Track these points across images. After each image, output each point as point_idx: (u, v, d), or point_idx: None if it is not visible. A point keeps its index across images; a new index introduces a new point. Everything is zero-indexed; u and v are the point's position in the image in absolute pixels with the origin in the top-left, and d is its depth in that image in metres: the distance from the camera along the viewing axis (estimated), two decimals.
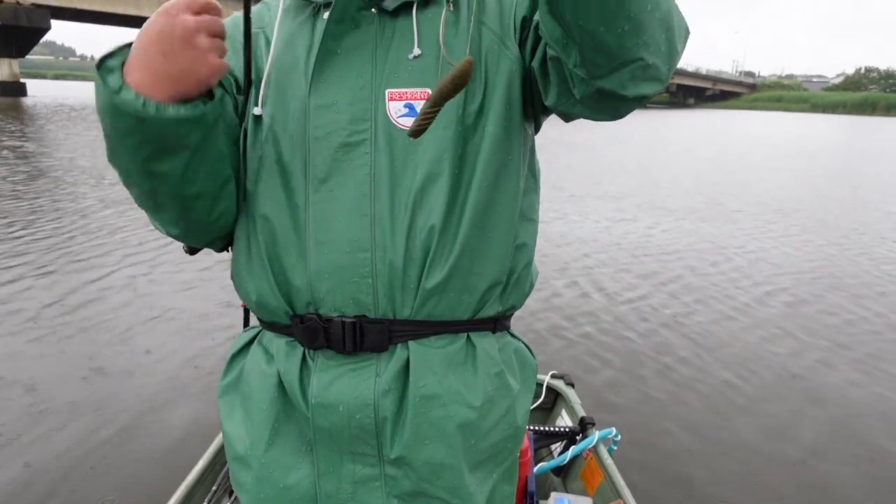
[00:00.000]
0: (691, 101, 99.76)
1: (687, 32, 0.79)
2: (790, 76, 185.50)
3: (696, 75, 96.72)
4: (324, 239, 0.83)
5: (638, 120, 38.23)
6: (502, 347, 0.93)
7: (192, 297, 4.11)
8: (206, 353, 3.30)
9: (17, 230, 5.58)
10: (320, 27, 0.86)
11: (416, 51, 0.84)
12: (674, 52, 0.76)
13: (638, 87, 0.75)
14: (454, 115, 0.84)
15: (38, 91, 40.21)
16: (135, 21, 38.47)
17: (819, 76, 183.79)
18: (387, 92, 0.84)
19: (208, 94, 0.77)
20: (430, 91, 0.83)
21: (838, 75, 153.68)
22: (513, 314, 0.97)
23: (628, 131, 25.41)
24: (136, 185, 0.82)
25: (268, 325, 0.92)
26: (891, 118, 68.50)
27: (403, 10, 0.86)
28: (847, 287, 4.94)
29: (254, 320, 1.04)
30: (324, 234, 0.83)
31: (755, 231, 6.91)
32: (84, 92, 47.17)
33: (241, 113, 0.88)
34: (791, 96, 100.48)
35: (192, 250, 0.96)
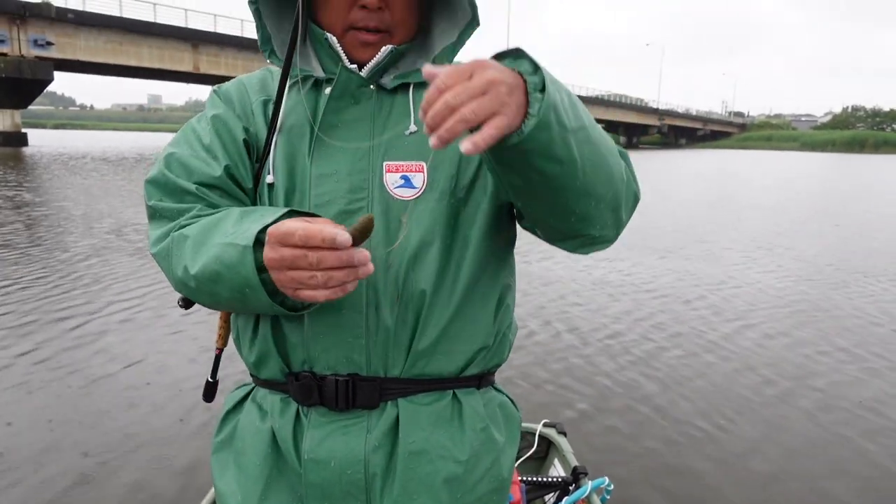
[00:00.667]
0: (683, 141, 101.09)
1: (636, 199, 0.88)
2: (778, 115, 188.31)
3: (686, 116, 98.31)
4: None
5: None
6: (487, 402, 0.97)
7: (179, 343, 4.22)
8: (193, 406, 3.27)
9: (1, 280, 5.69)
10: (322, 101, 0.91)
11: (412, 127, 0.90)
12: (621, 223, 0.87)
13: (588, 251, 0.90)
14: (448, 187, 0.90)
15: (39, 141, 40.83)
16: (135, 72, 39.36)
17: (807, 115, 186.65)
18: (384, 164, 0.89)
19: None
20: (424, 164, 0.89)
21: (826, 114, 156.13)
22: (497, 369, 1.01)
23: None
24: (191, 297, 0.89)
25: (263, 382, 0.95)
26: (880, 155, 69.48)
27: (401, 87, 0.93)
28: (815, 322, 5.08)
29: (230, 371, 1.12)
30: None
31: (735, 268, 7.08)
32: (82, 141, 47.64)
33: (256, 176, 0.93)
34: (781, 135, 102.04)
35: (187, 305, 0.96)
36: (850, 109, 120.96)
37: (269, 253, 0.74)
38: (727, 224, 10.78)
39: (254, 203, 0.93)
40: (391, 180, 0.89)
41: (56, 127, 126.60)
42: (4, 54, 30.68)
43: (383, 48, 0.90)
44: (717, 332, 4.78)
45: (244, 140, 0.93)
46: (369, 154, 0.90)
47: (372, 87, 0.91)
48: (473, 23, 0.91)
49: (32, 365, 3.75)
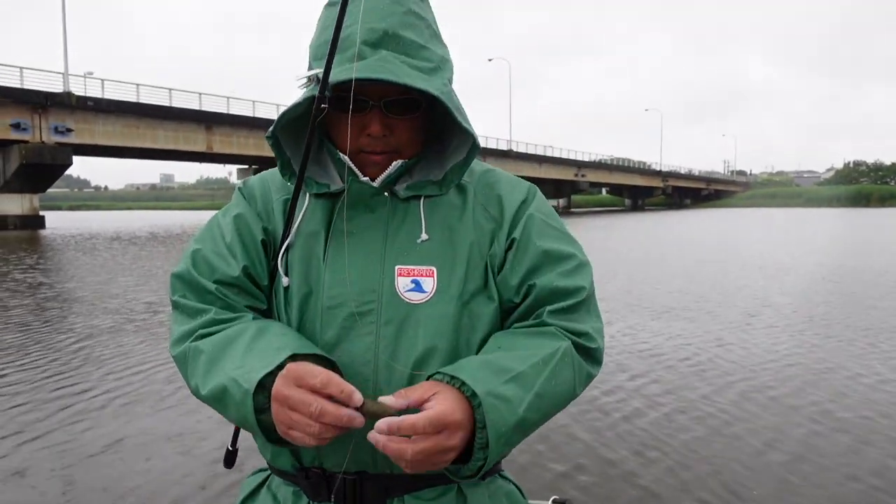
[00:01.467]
0: (688, 201, 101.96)
1: (589, 379, 0.99)
2: (781, 173, 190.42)
3: (689, 177, 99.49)
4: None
5: (633, 222, 39.03)
6: (493, 493, 0.99)
7: (179, 421, 4.17)
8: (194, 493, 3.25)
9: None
10: (338, 207, 0.97)
11: (424, 236, 0.96)
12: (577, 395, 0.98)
13: None
14: (456, 292, 0.94)
15: (55, 222, 41.61)
16: (151, 153, 40.49)
17: (809, 171, 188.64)
18: (396, 268, 0.94)
19: None
20: (435, 269, 0.95)
21: (828, 170, 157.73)
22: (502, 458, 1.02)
23: (621, 235, 25.93)
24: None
25: (276, 470, 1.00)
26: (886, 209, 69.69)
27: (413, 197, 0.99)
28: (812, 383, 4.97)
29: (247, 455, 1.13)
30: None
31: (732, 327, 6.99)
32: (96, 221, 48.50)
33: (271, 274, 0.99)
34: (786, 192, 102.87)
35: None
36: (852, 164, 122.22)
37: (279, 387, 0.79)
38: (732, 285, 10.72)
39: (269, 301, 0.99)
40: (402, 284, 0.94)
41: (71, 208, 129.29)
42: (26, 141, 31.77)
43: (394, 163, 0.96)
44: (729, 407, 4.68)
45: (262, 240, 0.99)
46: (382, 258, 0.95)
47: (385, 194, 0.97)
48: (475, 146, 0.98)
49: (35, 451, 3.71)
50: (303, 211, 0.99)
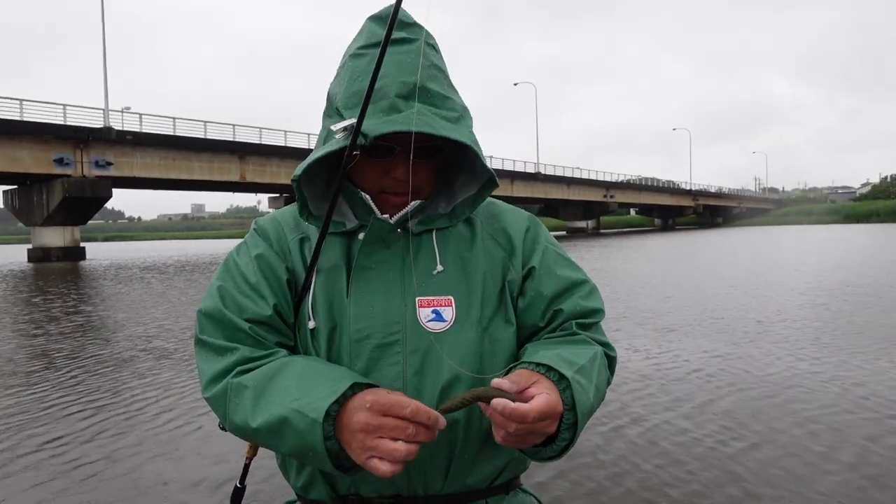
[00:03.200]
0: (720, 220, 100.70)
1: (609, 382, 1.06)
2: (814, 189, 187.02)
3: (720, 195, 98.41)
4: None
5: (661, 240, 38.46)
6: None
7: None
8: None
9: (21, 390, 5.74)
10: (356, 246, 1.03)
11: (439, 267, 1.03)
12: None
13: None
14: (475, 318, 1.01)
15: (93, 253, 42.56)
16: (187, 184, 41.41)
17: (844, 187, 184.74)
18: (417, 300, 1.00)
19: None
20: (452, 299, 1.01)
21: (864, 185, 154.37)
22: (524, 471, 1.09)
23: (650, 254, 25.50)
24: (245, 440, 1.00)
25: (309, 501, 1.03)
26: None
27: (425, 231, 1.05)
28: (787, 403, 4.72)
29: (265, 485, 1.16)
30: None
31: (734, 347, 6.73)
32: (129, 252, 49.54)
33: (295, 311, 1.03)
34: (822, 208, 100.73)
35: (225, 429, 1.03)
36: (889, 179, 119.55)
37: (366, 418, 0.81)
38: (758, 301, 10.39)
39: (294, 339, 1.02)
40: (423, 315, 0.99)
41: (107, 239, 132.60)
42: (69, 175, 32.77)
43: (412, 202, 1.02)
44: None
45: (287, 279, 1.03)
46: (402, 291, 1.00)
47: (399, 230, 1.02)
48: (491, 182, 1.05)
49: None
50: (319, 250, 1.02)
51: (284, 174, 40.91)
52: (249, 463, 1.12)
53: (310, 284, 1.01)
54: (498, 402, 0.82)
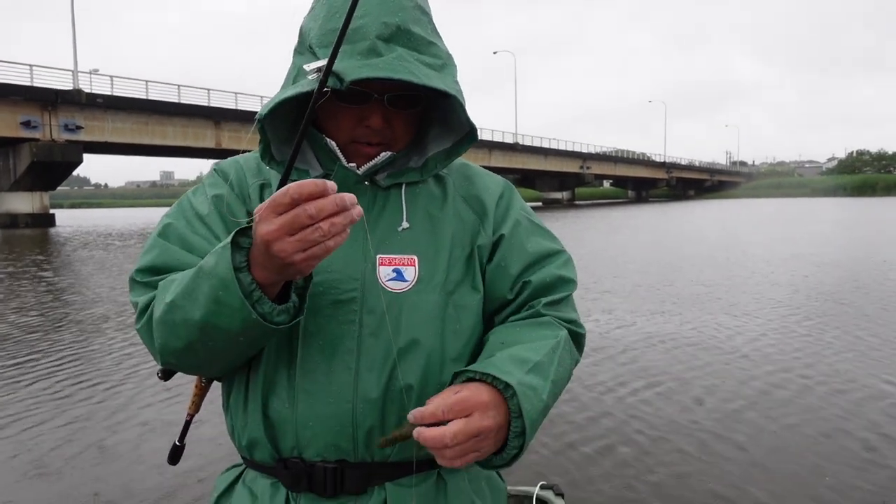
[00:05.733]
0: (691, 192, 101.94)
1: (576, 364, 1.01)
2: (782, 163, 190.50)
3: (693, 168, 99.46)
4: (310, 389, 0.90)
5: (634, 212, 38.94)
6: (472, 478, 1.00)
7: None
8: None
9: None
10: None
11: (405, 224, 0.97)
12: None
13: None
14: (438, 281, 0.95)
15: (61, 220, 41.39)
16: (160, 150, 40.31)
17: (810, 161, 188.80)
18: (378, 257, 0.94)
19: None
20: (416, 258, 0.94)
21: (830, 159, 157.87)
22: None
23: (623, 225, 25.80)
24: (187, 356, 0.88)
25: (253, 464, 0.97)
26: (892, 198, 69.67)
27: (394, 185, 0.99)
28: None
29: (219, 453, 1.11)
30: (310, 385, 0.90)
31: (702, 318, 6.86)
32: (94, 219, 48.52)
33: None
34: (791, 182, 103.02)
35: (166, 375, 0.98)
36: (855, 154, 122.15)
37: (264, 228, 0.73)
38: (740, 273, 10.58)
39: None
40: (384, 273, 0.94)
41: (72, 206, 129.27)
42: (37, 139, 31.58)
43: (382, 154, 0.96)
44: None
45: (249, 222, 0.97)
46: (363, 247, 0.94)
47: (367, 183, 0.97)
48: (471, 137, 0.99)
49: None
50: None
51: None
52: (191, 420, 1.05)
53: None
54: (415, 432, 0.78)
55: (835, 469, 3.25)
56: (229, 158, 1.06)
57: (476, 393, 0.80)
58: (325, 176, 0.95)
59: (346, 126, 0.94)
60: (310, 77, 0.87)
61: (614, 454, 3.49)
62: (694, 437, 3.70)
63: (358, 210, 0.74)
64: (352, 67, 0.86)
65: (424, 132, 1.02)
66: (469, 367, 0.86)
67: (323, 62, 0.84)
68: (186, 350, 0.86)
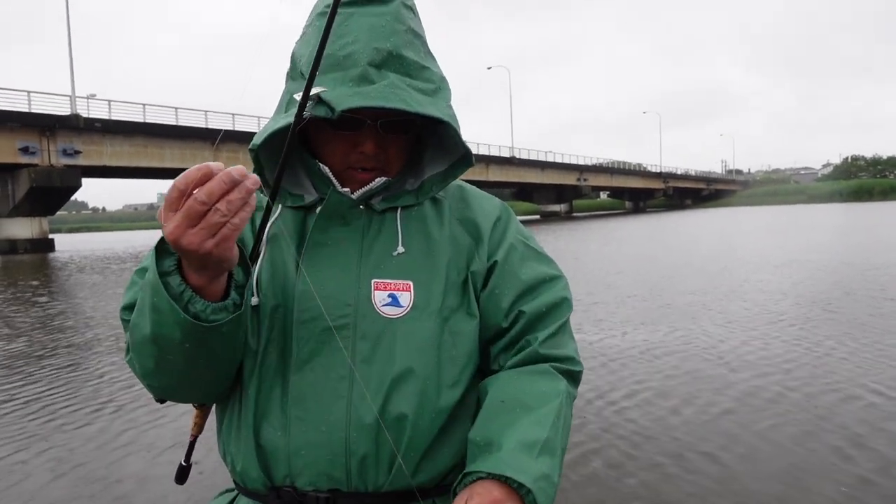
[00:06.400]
0: (688, 202, 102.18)
1: (573, 399, 0.99)
2: (777, 171, 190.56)
3: (689, 178, 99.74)
4: (303, 417, 0.88)
5: (635, 224, 39.00)
6: None
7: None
8: None
9: None
10: (310, 220, 0.95)
11: (400, 249, 0.95)
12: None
13: None
14: (434, 308, 0.93)
15: (61, 245, 41.41)
16: (159, 172, 40.48)
17: (805, 168, 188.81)
18: (373, 282, 0.92)
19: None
20: (411, 283, 0.93)
21: (825, 165, 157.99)
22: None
23: (618, 236, 25.87)
24: (161, 376, 0.88)
25: (245, 491, 0.95)
26: (889, 202, 69.75)
27: (389, 209, 0.98)
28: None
29: (211, 476, 1.07)
30: (303, 413, 0.89)
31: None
32: (91, 243, 48.36)
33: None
34: (787, 189, 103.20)
35: (162, 399, 0.97)
36: (850, 159, 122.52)
37: (166, 229, 0.72)
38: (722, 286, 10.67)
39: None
40: (379, 298, 0.92)
41: (70, 231, 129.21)
42: (35, 165, 31.73)
43: (377, 179, 0.95)
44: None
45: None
46: (357, 271, 0.93)
47: (361, 207, 0.96)
48: (466, 160, 0.98)
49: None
50: (271, 222, 0.95)
51: None
52: (194, 441, 1.05)
53: (256, 256, 0.91)
54: None
55: (808, 473, 3.34)
56: None
57: (486, 493, 0.79)
58: (320, 201, 0.95)
59: (340, 152, 0.94)
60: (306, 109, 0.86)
61: (588, 465, 3.58)
62: (671, 447, 3.79)
63: (253, 179, 0.72)
64: (343, 96, 0.86)
65: (420, 155, 1.01)
66: (479, 469, 0.82)
67: (317, 90, 0.85)
68: (158, 370, 0.86)
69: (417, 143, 1.01)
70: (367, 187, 0.95)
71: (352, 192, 0.95)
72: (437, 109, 0.90)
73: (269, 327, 0.92)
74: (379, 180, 0.95)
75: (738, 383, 4.97)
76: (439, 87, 0.94)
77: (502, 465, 0.81)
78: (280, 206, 0.97)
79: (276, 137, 0.89)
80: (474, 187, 1.09)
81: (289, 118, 0.86)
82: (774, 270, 12.19)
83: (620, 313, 8.28)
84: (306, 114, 0.84)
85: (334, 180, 0.95)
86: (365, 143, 0.92)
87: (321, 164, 0.95)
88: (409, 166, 1.01)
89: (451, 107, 0.95)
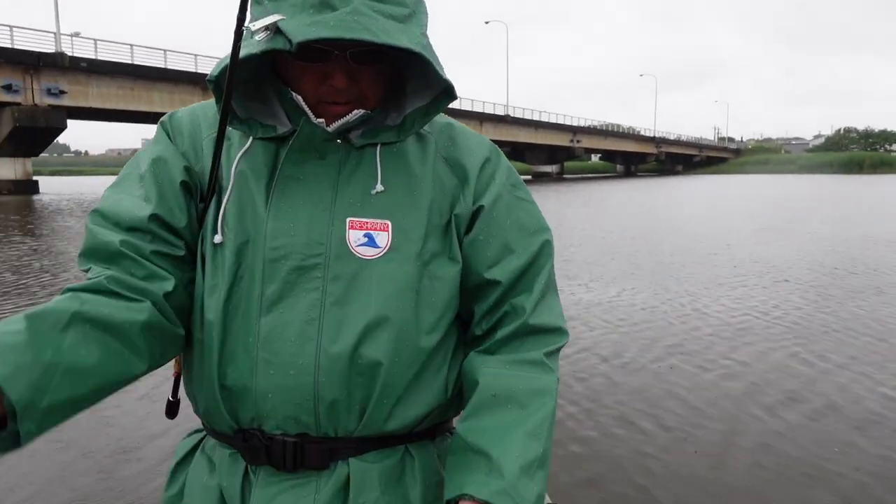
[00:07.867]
0: (679, 167, 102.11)
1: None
2: (768, 140, 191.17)
3: (682, 143, 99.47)
4: (270, 359, 0.85)
5: (624, 187, 38.94)
6: (442, 452, 0.95)
7: None
8: None
9: None
10: (283, 153, 0.88)
11: (379, 187, 0.88)
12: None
13: None
14: (413, 250, 0.88)
15: (45, 187, 40.59)
16: (146, 116, 39.51)
17: (797, 138, 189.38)
18: (348, 220, 0.87)
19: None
20: (389, 223, 0.87)
21: (816, 136, 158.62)
22: (455, 417, 0.98)
23: (608, 200, 25.76)
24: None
25: (212, 432, 0.93)
26: (879, 175, 70.23)
27: (368, 145, 0.90)
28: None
29: (184, 416, 1.02)
30: (271, 355, 0.85)
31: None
32: (74, 185, 47.91)
33: (200, 218, 0.90)
34: (778, 158, 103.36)
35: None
36: (842, 131, 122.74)
37: None
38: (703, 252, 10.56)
39: (195, 254, 0.90)
40: (354, 238, 0.87)
41: (52, 173, 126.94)
42: (18, 103, 30.73)
43: (354, 111, 0.88)
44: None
45: (183, 181, 0.89)
46: (332, 209, 0.87)
47: (339, 141, 0.89)
48: (449, 94, 0.90)
49: None
50: (240, 155, 0.89)
51: None
52: (178, 377, 1.02)
53: (213, 191, 0.88)
54: None
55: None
56: (185, 108, 0.97)
57: None
58: (292, 132, 0.88)
59: (309, 85, 0.86)
60: (256, 38, 0.79)
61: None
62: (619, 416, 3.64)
63: None
64: (299, 26, 0.77)
65: (402, 87, 0.93)
66: (479, 495, 0.80)
67: (271, 18, 0.78)
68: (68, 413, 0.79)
69: (399, 73, 0.93)
70: (343, 120, 0.87)
71: (327, 125, 0.87)
72: (408, 39, 0.80)
73: (234, 265, 0.87)
74: (356, 112, 0.87)
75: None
76: (413, 12, 0.84)
77: (505, 497, 0.80)
78: (251, 138, 0.90)
79: (245, 65, 0.83)
80: (465, 126, 1.02)
81: (249, 48, 0.80)
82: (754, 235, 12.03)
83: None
84: (265, 47, 0.78)
85: (307, 110, 0.87)
86: (334, 75, 0.84)
87: (293, 93, 0.87)
88: (391, 100, 0.93)
89: (426, 35, 0.85)
